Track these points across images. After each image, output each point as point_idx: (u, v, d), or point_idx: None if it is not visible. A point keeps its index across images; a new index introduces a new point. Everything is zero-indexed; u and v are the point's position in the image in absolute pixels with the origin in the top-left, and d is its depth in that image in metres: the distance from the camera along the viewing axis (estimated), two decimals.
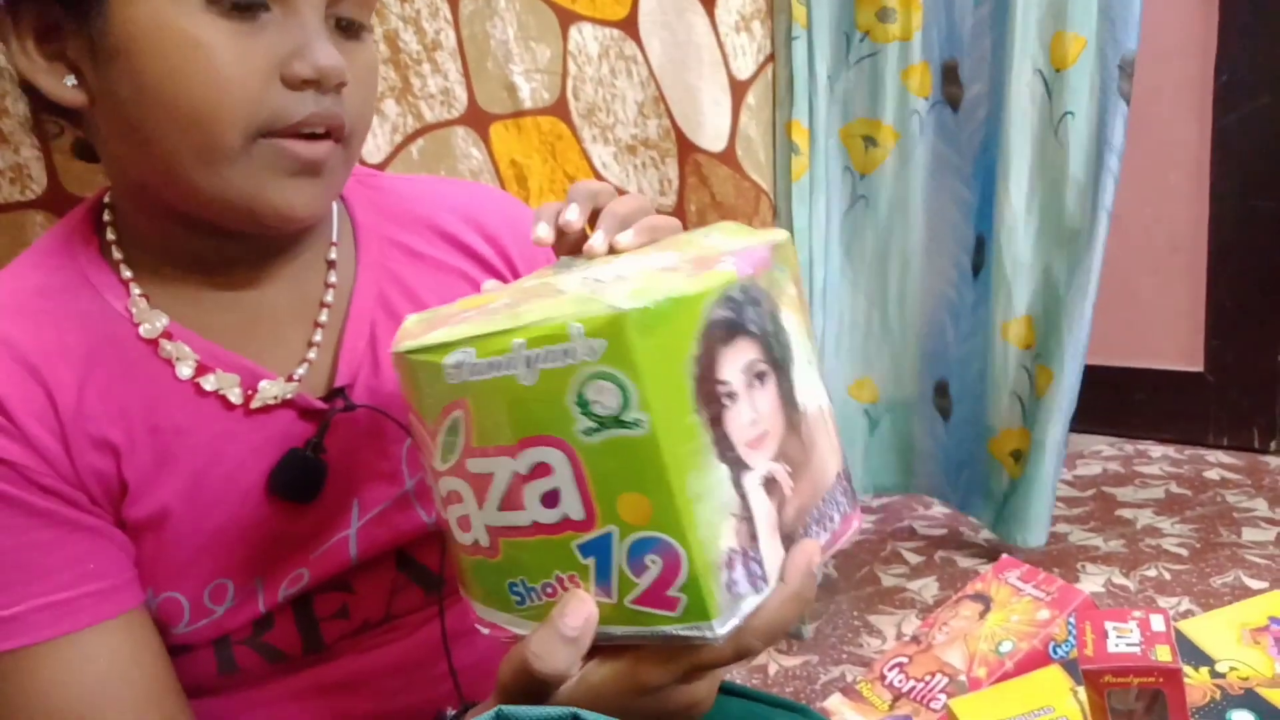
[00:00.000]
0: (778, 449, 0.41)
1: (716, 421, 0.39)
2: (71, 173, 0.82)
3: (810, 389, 0.44)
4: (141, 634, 0.53)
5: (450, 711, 0.48)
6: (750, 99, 1.18)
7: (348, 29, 0.53)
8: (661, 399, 0.37)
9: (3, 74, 0.76)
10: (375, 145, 1.00)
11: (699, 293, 0.38)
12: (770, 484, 0.41)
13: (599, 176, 1.12)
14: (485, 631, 0.44)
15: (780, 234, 0.45)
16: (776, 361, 0.42)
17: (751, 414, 0.40)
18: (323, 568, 0.57)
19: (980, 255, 1.51)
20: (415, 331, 0.43)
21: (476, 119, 1.02)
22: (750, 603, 0.40)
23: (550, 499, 0.39)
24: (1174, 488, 1.77)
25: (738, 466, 0.39)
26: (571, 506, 0.39)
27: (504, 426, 0.39)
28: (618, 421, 0.37)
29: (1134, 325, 1.99)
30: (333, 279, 0.59)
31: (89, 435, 0.52)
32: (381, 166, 1.02)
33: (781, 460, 0.41)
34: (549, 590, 0.40)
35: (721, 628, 0.39)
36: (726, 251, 0.42)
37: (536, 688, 0.40)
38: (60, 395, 0.51)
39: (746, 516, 0.40)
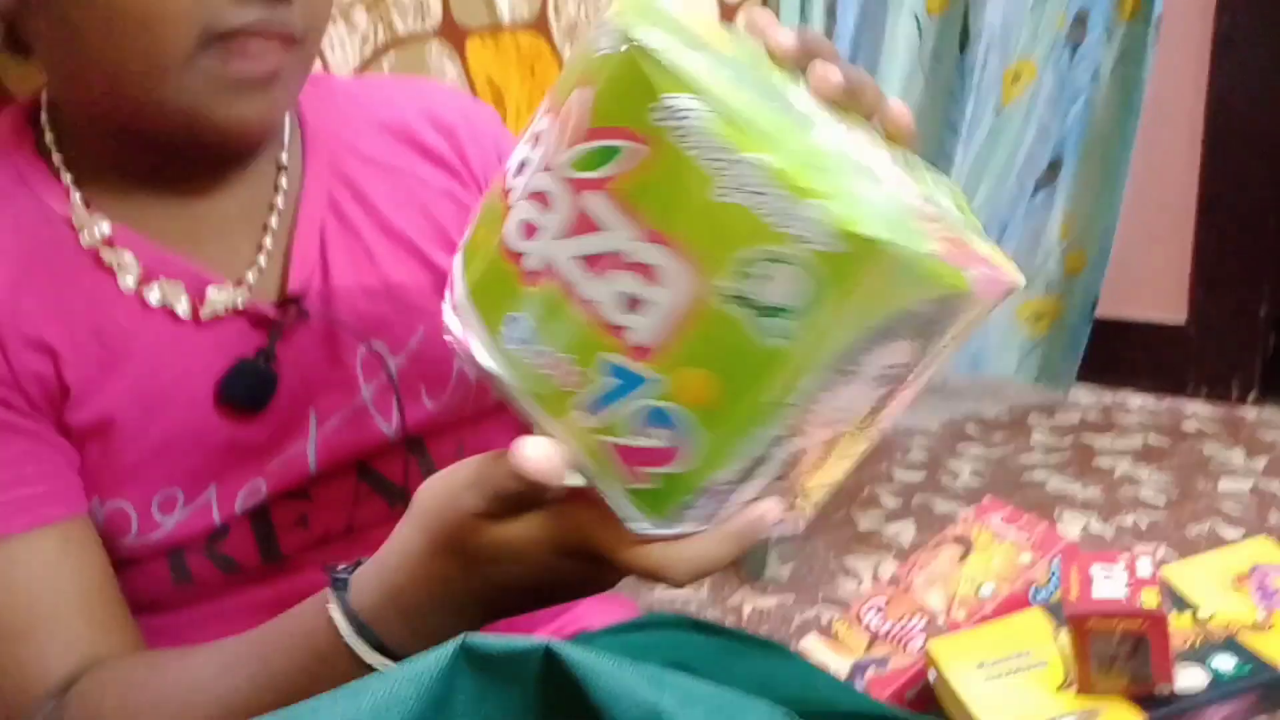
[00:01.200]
0: (831, 437, 0.37)
1: (825, 388, 0.34)
2: (14, 74, 0.77)
3: (892, 415, 0.39)
4: (80, 544, 0.51)
5: (341, 567, 0.45)
6: (740, 22, 1.13)
7: None
8: (822, 337, 0.31)
9: None
10: (344, 57, 0.95)
11: (945, 277, 0.31)
12: (795, 457, 0.37)
13: None
14: (448, 337, 0.39)
15: (1018, 279, 0.38)
16: (903, 380, 0.37)
17: (848, 402, 0.35)
18: (281, 479, 0.55)
19: None
20: (656, 24, 0.33)
21: (452, 32, 0.97)
22: (686, 528, 0.37)
23: (631, 304, 0.33)
24: (1152, 438, 1.77)
25: (794, 431, 0.35)
26: (644, 329, 0.33)
27: (658, 203, 0.32)
28: (762, 310, 0.31)
29: (1118, 276, 1.97)
30: (283, 184, 0.57)
31: (24, 336, 0.49)
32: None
33: (823, 446, 0.37)
34: (544, 359, 0.35)
35: (650, 528, 0.36)
36: (983, 253, 0.36)
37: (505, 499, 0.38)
38: None
39: (754, 468, 0.36)
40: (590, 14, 1.05)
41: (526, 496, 0.38)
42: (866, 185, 0.32)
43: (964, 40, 1.48)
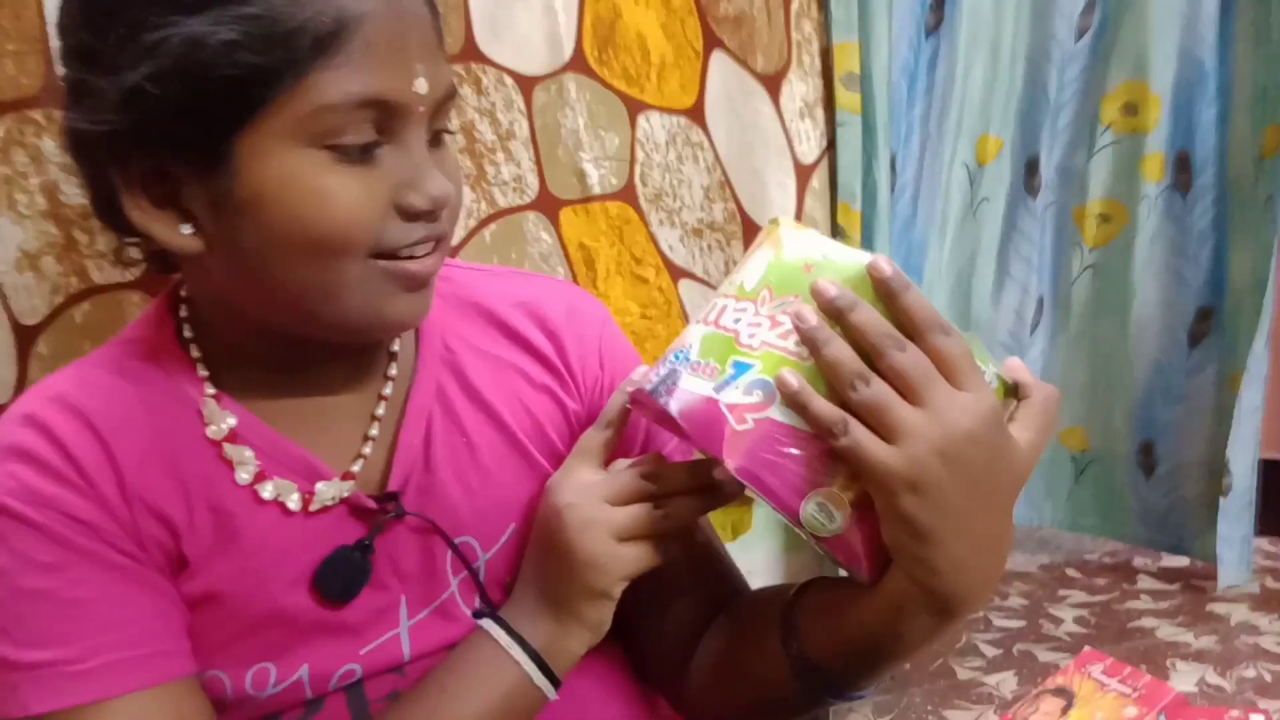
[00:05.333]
0: None
1: None
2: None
3: None
4: (197, 700, 0.53)
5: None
6: (815, 183, 1.19)
7: (435, 139, 0.54)
8: None
9: None
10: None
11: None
12: None
13: (665, 259, 1.13)
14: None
15: None
16: None
17: None
18: (375, 663, 0.57)
19: None
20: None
21: (547, 204, 1.05)
22: None
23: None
24: (1270, 582, 1.68)
25: None
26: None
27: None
28: None
29: None
30: (392, 371, 0.60)
31: (148, 505, 0.53)
32: (455, 250, 1.05)
33: None
34: (698, 367, 0.50)
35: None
36: None
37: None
38: (124, 462, 0.53)
39: None
40: (674, 182, 1.13)
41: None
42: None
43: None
